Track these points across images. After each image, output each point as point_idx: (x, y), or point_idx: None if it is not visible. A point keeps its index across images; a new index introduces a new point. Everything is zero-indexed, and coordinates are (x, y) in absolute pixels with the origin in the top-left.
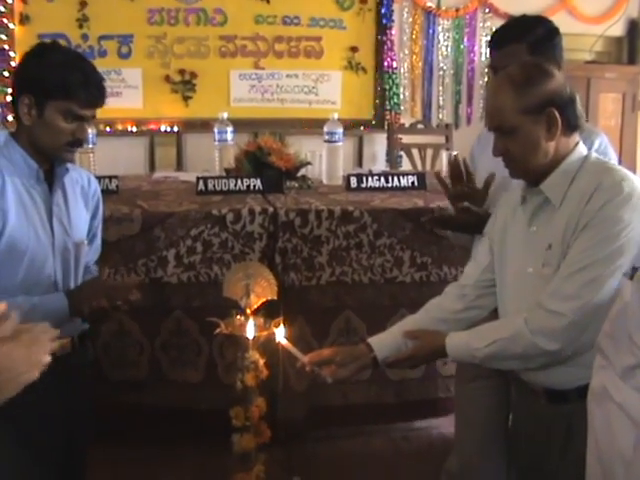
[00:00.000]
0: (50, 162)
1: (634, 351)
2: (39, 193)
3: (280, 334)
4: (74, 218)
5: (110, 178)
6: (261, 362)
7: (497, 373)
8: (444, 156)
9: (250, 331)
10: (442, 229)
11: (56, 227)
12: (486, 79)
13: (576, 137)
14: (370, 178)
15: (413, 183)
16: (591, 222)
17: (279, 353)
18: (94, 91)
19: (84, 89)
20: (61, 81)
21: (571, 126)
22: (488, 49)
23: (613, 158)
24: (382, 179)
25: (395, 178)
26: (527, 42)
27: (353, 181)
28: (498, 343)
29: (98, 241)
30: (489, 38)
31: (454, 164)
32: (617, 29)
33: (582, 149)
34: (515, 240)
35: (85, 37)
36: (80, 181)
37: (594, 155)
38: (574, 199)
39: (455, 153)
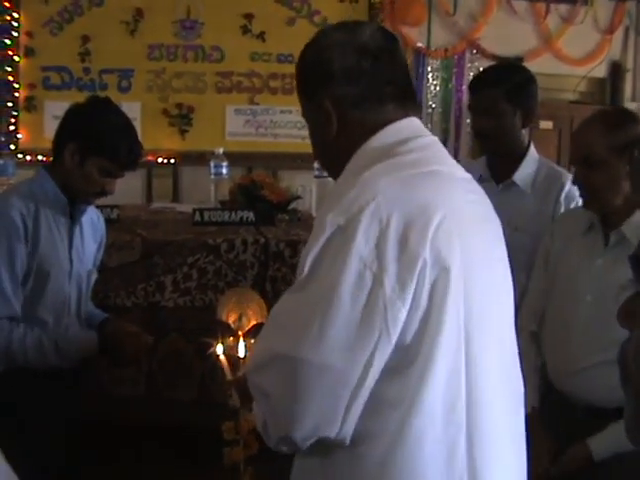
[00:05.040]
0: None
1: None
2: (63, 225)
3: None
4: (86, 249)
5: (111, 207)
6: None
7: None
8: None
9: (241, 351)
10: None
11: (74, 257)
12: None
13: None
14: None
15: None
16: None
17: None
18: (134, 158)
19: (127, 156)
20: (111, 145)
21: None
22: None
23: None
24: None
25: None
26: (503, 88)
27: None
28: None
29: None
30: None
31: None
32: (600, 71)
33: None
34: (576, 268)
35: (87, 70)
36: (91, 216)
37: None
38: None
39: None
